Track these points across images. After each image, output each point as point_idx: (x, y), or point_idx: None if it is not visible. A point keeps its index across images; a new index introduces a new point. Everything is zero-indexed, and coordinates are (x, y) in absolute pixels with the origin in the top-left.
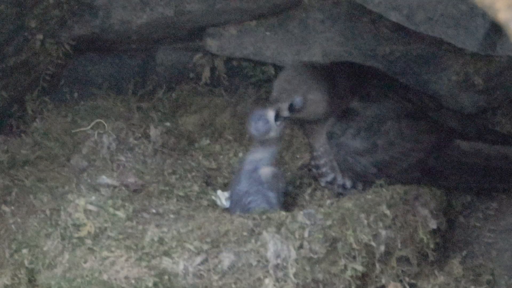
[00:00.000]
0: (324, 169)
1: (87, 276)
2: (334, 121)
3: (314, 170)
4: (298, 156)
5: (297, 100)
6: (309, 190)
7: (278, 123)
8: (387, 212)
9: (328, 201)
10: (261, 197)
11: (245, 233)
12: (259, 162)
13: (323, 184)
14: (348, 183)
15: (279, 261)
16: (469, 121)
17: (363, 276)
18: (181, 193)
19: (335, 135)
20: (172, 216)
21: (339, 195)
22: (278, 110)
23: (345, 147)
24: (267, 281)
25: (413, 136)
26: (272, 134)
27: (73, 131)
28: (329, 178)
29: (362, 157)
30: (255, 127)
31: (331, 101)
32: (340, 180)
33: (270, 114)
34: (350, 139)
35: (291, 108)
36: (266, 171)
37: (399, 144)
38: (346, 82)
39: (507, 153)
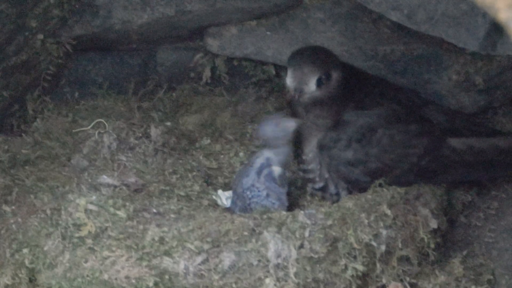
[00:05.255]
0: (311, 175)
1: (87, 275)
2: (325, 131)
3: (301, 173)
4: None
5: (325, 74)
6: (308, 188)
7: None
8: (388, 211)
9: (329, 201)
10: (272, 193)
11: (245, 233)
12: (271, 159)
13: (309, 189)
14: (343, 193)
15: (279, 260)
16: (456, 114)
17: (364, 276)
18: (181, 193)
19: (326, 147)
20: (172, 215)
21: (333, 202)
22: (302, 87)
23: (337, 158)
24: (267, 280)
25: (405, 141)
26: (279, 143)
27: (73, 130)
28: (318, 185)
29: (355, 167)
30: (266, 131)
31: (342, 92)
32: (333, 189)
33: (288, 123)
34: (341, 151)
35: (319, 82)
36: (276, 170)
37: (392, 151)
38: (345, 87)
39: (498, 144)
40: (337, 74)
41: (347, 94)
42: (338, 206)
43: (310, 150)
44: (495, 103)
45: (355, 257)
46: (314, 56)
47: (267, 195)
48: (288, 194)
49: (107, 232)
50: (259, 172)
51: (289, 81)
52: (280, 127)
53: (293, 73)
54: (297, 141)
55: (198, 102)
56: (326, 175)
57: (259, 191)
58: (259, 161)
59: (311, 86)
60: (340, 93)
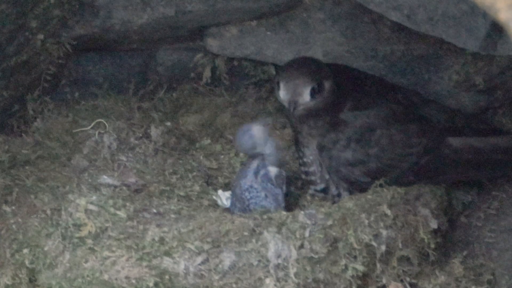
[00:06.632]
0: (313, 177)
1: (88, 276)
2: (323, 132)
3: (303, 176)
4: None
5: (317, 85)
6: (308, 191)
7: (263, 129)
8: (388, 212)
9: (329, 201)
10: (269, 194)
11: (246, 233)
12: (267, 160)
13: (311, 191)
14: (345, 194)
15: (280, 261)
16: (456, 114)
17: (364, 276)
18: (182, 193)
19: (325, 148)
20: (173, 216)
21: (334, 202)
22: (296, 99)
23: (337, 159)
24: (268, 281)
25: (404, 141)
26: (258, 149)
27: (74, 131)
28: (319, 187)
29: (354, 167)
30: (240, 142)
31: (332, 102)
32: (334, 190)
33: (255, 129)
34: (341, 151)
35: (312, 92)
36: (272, 171)
37: (391, 151)
38: (341, 86)
39: (497, 143)
40: (329, 83)
41: (343, 96)
42: (338, 206)
43: (310, 152)
44: (495, 103)
45: (355, 257)
46: (305, 67)
47: (266, 196)
48: (287, 194)
49: (107, 232)
50: (256, 173)
51: (283, 94)
52: (247, 135)
53: (286, 86)
54: (297, 144)
55: (198, 102)
56: (327, 177)
57: (257, 191)
58: (255, 162)
59: (305, 97)
60: (333, 101)
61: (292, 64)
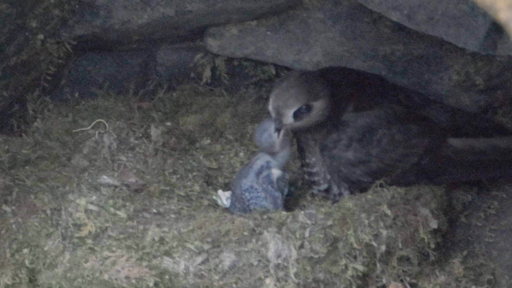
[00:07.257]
0: (316, 178)
1: (88, 276)
2: (326, 134)
3: (306, 176)
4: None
5: (303, 107)
6: (310, 191)
7: (281, 132)
8: (388, 212)
9: (329, 201)
10: (268, 196)
11: (246, 233)
12: (271, 162)
13: (315, 191)
14: (346, 193)
15: (280, 261)
16: (458, 113)
17: (364, 276)
18: (182, 193)
19: (327, 148)
20: (173, 216)
21: (334, 202)
22: (280, 118)
23: (338, 159)
24: (268, 281)
25: (406, 141)
26: (277, 147)
27: (74, 131)
28: (322, 187)
29: (355, 167)
30: (259, 139)
31: (332, 108)
32: (336, 190)
33: (271, 128)
34: (342, 151)
35: (296, 115)
36: (275, 173)
37: (392, 151)
38: (343, 89)
39: (498, 144)
40: (320, 103)
41: (346, 99)
42: (338, 206)
43: (313, 153)
44: (495, 103)
45: (355, 257)
46: (295, 87)
47: (265, 197)
48: (288, 194)
49: (107, 232)
50: (258, 174)
51: (270, 109)
52: (267, 133)
53: (272, 104)
54: (299, 145)
55: (198, 102)
56: (329, 177)
57: (257, 192)
58: (259, 162)
59: (289, 118)
60: (326, 117)
61: (284, 81)
